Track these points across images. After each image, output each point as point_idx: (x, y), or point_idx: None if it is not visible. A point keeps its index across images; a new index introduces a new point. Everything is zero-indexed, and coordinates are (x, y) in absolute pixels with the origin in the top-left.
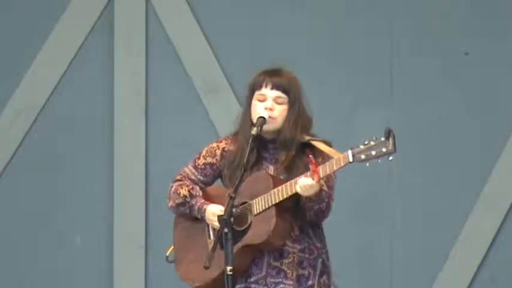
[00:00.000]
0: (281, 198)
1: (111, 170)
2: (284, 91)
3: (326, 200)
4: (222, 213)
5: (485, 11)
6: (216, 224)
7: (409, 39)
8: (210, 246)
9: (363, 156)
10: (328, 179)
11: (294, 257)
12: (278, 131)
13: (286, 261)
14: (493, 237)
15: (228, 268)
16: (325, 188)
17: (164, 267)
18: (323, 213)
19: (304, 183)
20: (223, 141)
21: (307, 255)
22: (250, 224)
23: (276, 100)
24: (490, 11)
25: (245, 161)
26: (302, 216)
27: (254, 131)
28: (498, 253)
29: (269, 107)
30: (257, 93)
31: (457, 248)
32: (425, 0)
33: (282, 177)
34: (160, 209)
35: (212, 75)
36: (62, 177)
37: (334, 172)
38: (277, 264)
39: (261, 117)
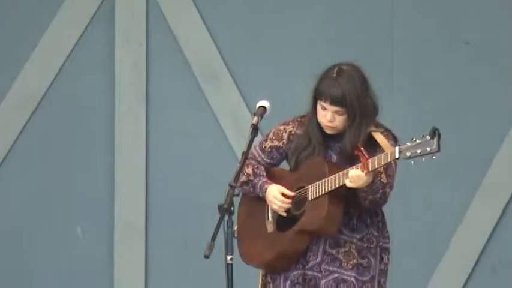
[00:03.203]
0: (333, 187)
1: (111, 159)
2: (341, 105)
3: (380, 190)
4: (284, 194)
5: (485, 1)
6: (275, 207)
7: (410, 30)
8: (269, 227)
9: (408, 154)
10: (388, 167)
11: (351, 246)
12: (342, 133)
13: (342, 250)
14: (494, 227)
15: (229, 257)
16: (383, 178)
17: (164, 257)
18: (377, 203)
19: (352, 174)
20: (291, 123)
21: (365, 244)
22: (306, 209)
23: (336, 112)
24: (491, 1)
25: (246, 149)
26: (360, 206)
27: (255, 120)
28: (498, 243)
29: (329, 119)
30: (319, 102)
31: (457, 238)
32: None
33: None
34: (160, 198)
35: (212, 64)
36: (62, 167)
37: (383, 166)
38: (333, 252)
39: (262, 106)
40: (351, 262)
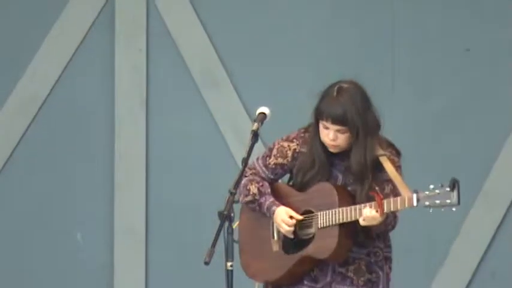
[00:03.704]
0: (344, 221)
1: (111, 163)
2: (343, 124)
3: (392, 223)
4: (292, 217)
5: (486, 7)
6: (283, 230)
7: (410, 35)
8: (274, 246)
9: (427, 203)
10: (396, 191)
11: (360, 263)
12: (346, 151)
13: (351, 267)
14: (494, 233)
15: (229, 264)
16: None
17: (165, 262)
18: (388, 231)
19: (367, 215)
20: (295, 141)
21: (372, 259)
22: (314, 235)
23: (338, 131)
24: (492, 7)
25: (246, 155)
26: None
27: (255, 126)
28: (498, 249)
29: (331, 138)
30: (321, 121)
31: (457, 244)
32: None
33: (350, 188)
34: (160, 203)
35: (212, 69)
36: (62, 172)
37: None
38: (343, 270)
39: (262, 112)
40: (362, 279)
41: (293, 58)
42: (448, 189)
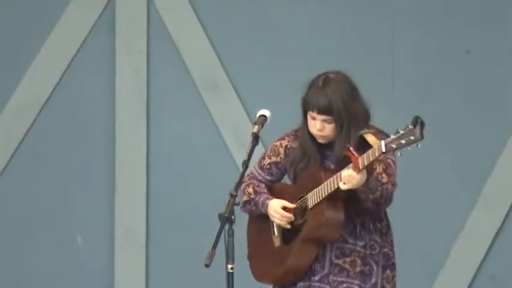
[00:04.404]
0: (329, 192)
1: (112, 167)
2: (329, 113)
3: (380, 188)
4: (285, 207)
5: (486, 9)
6: (278, 221)
7: (410, 37)
8: (275, 242)
9: (394, 146)
10: (387, 167)
11: (356, 255)
12: (335, 141)
13: (348, 259)
14: (494, 236)
15: (229, 266)
16: (383, 178)
17: (165, 265)
18: (379, 202)
19: (345, 175)
20: (286, 138)
21: (368, 251)
22: (307, 217)
23: (324, 121)
24: (492, 9)
25: (247, 158)
26: (363, 212)
27: (255, 128)
28: (498, 252)
29: (318, 128)
30: (308, 112)
31: (458, 247)
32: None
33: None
34: (161, 207)
35: (213, 73)
36: (62, 176)
37: (372, 162)
38: (340, 262)
39: (262, 115)
40: (356, 270)
41: (294, 63)
42: (411, 126)
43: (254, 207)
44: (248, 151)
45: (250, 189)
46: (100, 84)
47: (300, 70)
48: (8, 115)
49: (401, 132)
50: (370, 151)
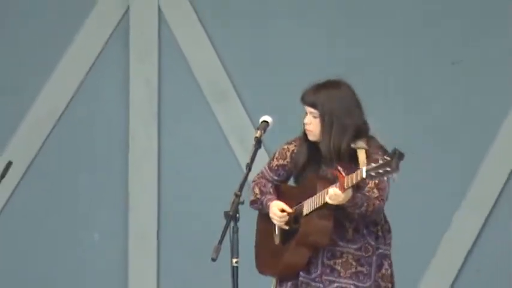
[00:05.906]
0: (319, 204)
1: (126, 172)
2: (314, 106)
3: (365, 203)
4: (283, 210)
5: (475, 20)
6: (276, 223)
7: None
8: (276, 240)
9: (373, 174)
10: (379, 182)
11: (348, 257)
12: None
13: (339, 261)
14: (478, 232)
15: (234, 260)
16: (374, 192)
17: (175, 264)
18: (365, 216)
19: (330, 193)
20: (293, 143)
21: (363, 253)
22: (301, 223)
23: (312, 115)
24: (480, 21)
25: (250, 161)
26: (355, 219)
27: (258, 133)
28: (483, 247)
29: (306, 122)
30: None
31: (444, 242)
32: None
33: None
34: (171, 209)
35: (219, 83)
36: (80, 180)
37: (356, 184)
38: (331, 263)
39: (265, 121)
40: (349, 271)
41: (298, 72)
42: (389, 158)
43: (260, 206)
44: (251, 155)
45: (257, 190)
46: (115, 93)
47: (304, 79)
48: (29, 123)
49: (381, 161)
50: (354, 174)
